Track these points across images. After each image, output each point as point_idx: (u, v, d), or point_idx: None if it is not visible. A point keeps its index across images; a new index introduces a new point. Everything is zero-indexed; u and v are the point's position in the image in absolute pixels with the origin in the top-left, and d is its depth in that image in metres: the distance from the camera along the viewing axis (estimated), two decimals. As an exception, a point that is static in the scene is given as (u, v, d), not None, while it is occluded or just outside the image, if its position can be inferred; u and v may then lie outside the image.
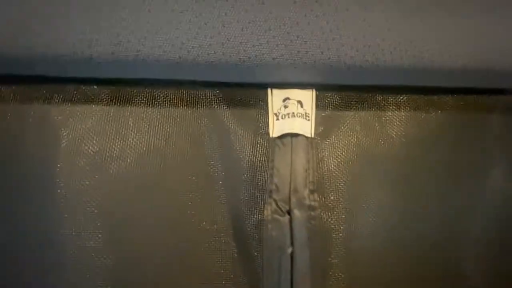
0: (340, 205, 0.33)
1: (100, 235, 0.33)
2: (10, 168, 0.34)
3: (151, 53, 0.30)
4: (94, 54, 0.30)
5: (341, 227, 0.33)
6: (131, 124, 0.34)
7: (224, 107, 0.35)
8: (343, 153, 0.35)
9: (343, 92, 0.36)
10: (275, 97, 0.35)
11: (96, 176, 0.33)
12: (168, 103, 0.35)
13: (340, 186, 0.34)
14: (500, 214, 0.36)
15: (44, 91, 0.34)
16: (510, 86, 0.37)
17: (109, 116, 0.34)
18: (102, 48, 0.30)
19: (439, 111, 0.37)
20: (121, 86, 0.35)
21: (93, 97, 0.35)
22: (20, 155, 0.34)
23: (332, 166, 0.34)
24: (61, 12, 0.30)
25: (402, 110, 0.36)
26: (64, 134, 0.34)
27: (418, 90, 0.36)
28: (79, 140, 0.34)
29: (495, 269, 0.36)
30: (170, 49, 0.30)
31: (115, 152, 0.34)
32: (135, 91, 0.35)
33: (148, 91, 0.35)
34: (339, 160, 0.34)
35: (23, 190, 0.34)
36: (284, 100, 0.35)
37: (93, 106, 0.34)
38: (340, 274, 0.33)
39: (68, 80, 0.34)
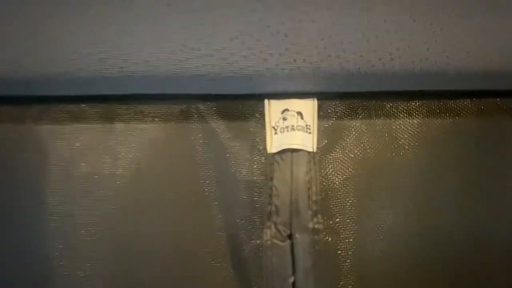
0: (348, 228, 0.30)
1: (88, 264, 0.31)
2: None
3: (137, 68, 0.28)
4: (80, 72, 0.28)
5: (349, 252, 0.29)
6: (121, 143, 0.32)
7: (218, 121, 0.33)
8: (350, 169, 0.31)
9: (348, 100, 0.33)
10: (273, 108, 0.32)
11: (84, 199, 0.31)
12: (159, 119, 0.32)
13: (347, 206, 0.30)
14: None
15: (32, 111, 0.32)
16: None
17: (98, 134, 0.32)
18: (87, 66, 0.28)
19: (457, 117, 0.33)
20: (110, 103, 0.32)
21: (82, 116, 0.33)
22: (9, 176, 0.32)
23: (338, 183, 0.31)
24: (48, 33, 0.28)
25: (414, 117, 0.33)
26: (52, 154, 0.32)
27: (431, 95, 0.33)
28: (68, 160, 0.32)
29: None
30: (156, 63, 0.28)
31: (104, 172, 0.32)
32: (124, 107, 0.32)
33: (138, 108, 0.32)
34: (345, 176, 0.31)
35: (12, 212, 0.32)
36: (282, 112, 0.32)
37: (82, 125, 0.32)
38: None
39: (56, 99, 0.32)
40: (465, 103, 0.33)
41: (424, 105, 0.33)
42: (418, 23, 0.27)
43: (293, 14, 0.26)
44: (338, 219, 0.30)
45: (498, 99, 0.33)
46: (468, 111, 0.33)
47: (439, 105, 0.33)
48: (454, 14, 0.27)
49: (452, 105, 0.33)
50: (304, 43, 0.27)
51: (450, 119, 0.33)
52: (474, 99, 0.33)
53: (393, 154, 0.32)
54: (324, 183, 0.31)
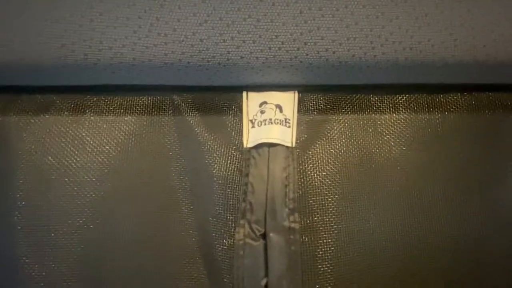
0: (327, 227, 0.28)
1: (57, 259, 0.29)
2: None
3: (101, 56, 0.26)
4: (44, 61, 0.27)
5: (328, 254, 0.28)
6: (90, 135, 0.31)
7: (194, 114, 0.31)
8: (330, 165, 0.30)
9: (331, 94, 0.31)
10: (251, 101, 0.31)
11: (50, 192, 0.30)
12: (130, 110, 0.31)
13: (327, 204, 0.29)
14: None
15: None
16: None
17: (66, 126, 0.31)
18: (49, 54, 0.26)
19: (446, 113, 0.31)
20: (78, 94, 0.31)
21: (50, 106, 0.31)
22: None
23: (317, 180, 0.29)
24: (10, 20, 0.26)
25: (401, 112, 0.31)
26: (22, 145, 0.30)
27: (419, 89, 0.31)
28: (39, 152, 0.30)
29: None
30: (121, 50, 0.26)
31: (72, 165, 0.30)
32: (94, 99, 0.31)
33: (108, 99, 0.31)
34: (325, 173, 0.29)
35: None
36: (260, 105, 0.30)
37: (50, 116, 0.31)
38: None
39: (24, 89, 0.31)
40: (454, 97, 0.31)
41: (411, 99, 0.31)
42: (400, 7, 0.25)
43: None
44: (316, 218, 0.28)
45: (490, 93, 0.31)
46: (458, 106, 0.31)
47: (427, 100, 0.31)
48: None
49: (441, 99, 0.31)
50: (279, 29, 0.25)
51: (438, 115, 0.31)
52: (465, 93, 0.31)
53: (377, 150, 0.30)
54: (302, 180, 0.29)
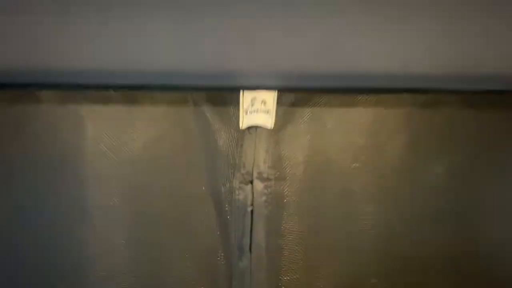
0: (291, 177, 0.47)
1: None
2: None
3: (154, 65, 0.41)
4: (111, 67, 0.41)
5: (291, 192, 0.47)
6: (139, 120, 0.46)
7: (207, 106, 0.47)
8: (296, 141, 0.47)
9: (302, 93, 0.47)
10: (245, 97, 0.47)
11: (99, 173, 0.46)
12: (165, 103, 0.46)
13: (291, 165, 0.47)
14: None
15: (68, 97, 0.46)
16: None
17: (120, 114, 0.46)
18: (114, 62, 0.41)
19: (407, 110, 0.47)
20: (130, 91, 0.46)
21: (108, 100, 0.46)
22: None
23: (287, 150, 0.47)
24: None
25: (357, 108, 0.47)
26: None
27: (375, 90, 0.47)
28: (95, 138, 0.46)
29: None
30: (166, 62, 0.41)
31: (124, 142, 0.46)
32: (141, 95, 0.46)
33: (152, 95, 0.46)
34: (292, 146, 0.47)
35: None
36: (252, 100, 0.47)
37: (107, 108, 0.46)
38: (292, 225, 0.48)
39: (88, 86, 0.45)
40: (419, 97, 0.47)
41: (369, 99, 0.47)
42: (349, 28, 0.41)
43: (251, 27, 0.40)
44: (285, 171, 0.47)
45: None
46: (424, 104, 0.47)
47: (376, 99, 0.47)
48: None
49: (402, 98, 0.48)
50: (265, 53, 0.41)
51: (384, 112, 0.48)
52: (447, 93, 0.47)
53: (330, 135, 0.48)
54: (277, 149, 0.47)
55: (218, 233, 0.46)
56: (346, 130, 0.48)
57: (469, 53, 0.43)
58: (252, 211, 0.46)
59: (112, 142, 0.46)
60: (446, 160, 0.48)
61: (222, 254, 0.46)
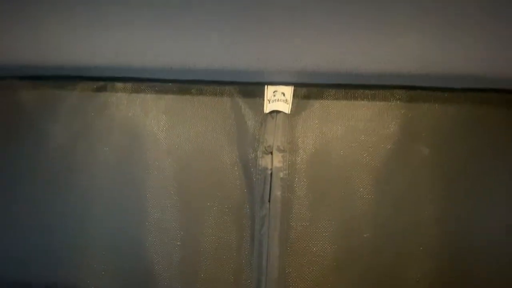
0: (301, 151, 0.61)
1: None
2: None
3: (195, 63, 0.59)
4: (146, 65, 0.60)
5: (302, 161, 0.61)
6: (190, 107, 0.64)
7: (240, 97, 0.64)
8: (306, 124, 0.62)
9: (313, 88, 0.63)
10: (269, 90, 0.63)
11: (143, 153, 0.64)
12: (207, 94, 0.64)
13: (302, 141, 0.62)
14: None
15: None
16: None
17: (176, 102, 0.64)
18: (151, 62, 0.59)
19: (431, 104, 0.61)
20: (184, 84, 0.64)
21: (162, 90, 0.64)
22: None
23: (299, 131, 0.62)
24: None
25: (356, 100, 0.62)
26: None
27: (371, 87, 0.61)
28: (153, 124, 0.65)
29: None
30: (211, 61, 0.59)
31: (178, 122, 0.64)
32: (186, 87, 0.64)
33: (200, 87, 0.64)
34: (303, 128, 0.62)
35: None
36: (274, 92, 0.63)
37: (163, 98, 0.64)
38: (301, 185, 0.60)
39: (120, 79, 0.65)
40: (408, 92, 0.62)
41: (377, 93, 0.62)
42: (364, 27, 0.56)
43: (273, 31, 0.56)
44: (298, 146, 0.61)
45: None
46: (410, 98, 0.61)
47: (373, 93, 0.63)
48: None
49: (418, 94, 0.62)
50: (286, 53, 0.57)
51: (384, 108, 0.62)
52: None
53: (333, 120, 0.62)
54: (292, 129, 0.62)
55: (245, 190, 0.61)
56: (347, 117, 0.62)
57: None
58: (271, 174, 0.60)
59: (168, 123, 0.63)
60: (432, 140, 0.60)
61: (248, 205, 0.61)
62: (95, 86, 0.66)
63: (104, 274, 0.60)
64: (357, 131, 0.61)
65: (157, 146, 0.64)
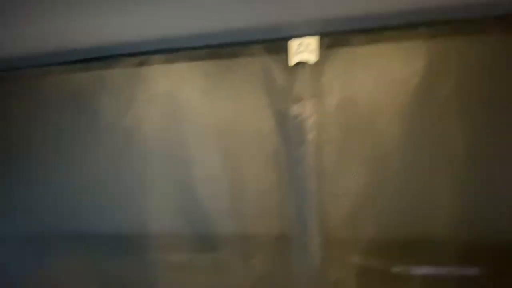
0: (328, 98, 0.65)
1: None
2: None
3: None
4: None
5: (332, 112, 0.64)
6: (222, 72, 0.69)
7: (267, 53, 0.68)
8: (334, 72, 0.65)
9: (336, 37, 0.65)
10: (295, 43, 0.66)
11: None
12: (238, 56, 0.68)
13: (331, 87, 0.65)
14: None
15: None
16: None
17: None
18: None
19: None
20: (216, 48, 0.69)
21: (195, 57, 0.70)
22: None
23: (326, 79, 0.65)
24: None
25: (377, 44, 0.64)
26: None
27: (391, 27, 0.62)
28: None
29: None
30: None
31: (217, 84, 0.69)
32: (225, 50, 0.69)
33: (233, 49, 0.68)
34: (330, 76, 0.65)
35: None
36: (299, 44, 0.66)
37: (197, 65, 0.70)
38: (333, 123, 0.64)
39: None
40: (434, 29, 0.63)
41: (391, 34, 0.64)
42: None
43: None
44: (326, 90, 0.65)
45: None
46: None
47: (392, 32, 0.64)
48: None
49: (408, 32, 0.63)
50: (306, 5, 0.59)
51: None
52: None
53: (360, 67, 0.64)
54: (319, 78, 0.65)
55: (281, 137, 0.66)
56: (373, 61, 0.64)
57: None
58: (303, 120, 0.65)
59: (205, 87, 0.69)
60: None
61: (285, 149, 0.66)
62: (137, 61, 0.73)
63: (168, 215, 0.70)
64: (384, 74, 0.63)
65: (198, 109, 0.70)
